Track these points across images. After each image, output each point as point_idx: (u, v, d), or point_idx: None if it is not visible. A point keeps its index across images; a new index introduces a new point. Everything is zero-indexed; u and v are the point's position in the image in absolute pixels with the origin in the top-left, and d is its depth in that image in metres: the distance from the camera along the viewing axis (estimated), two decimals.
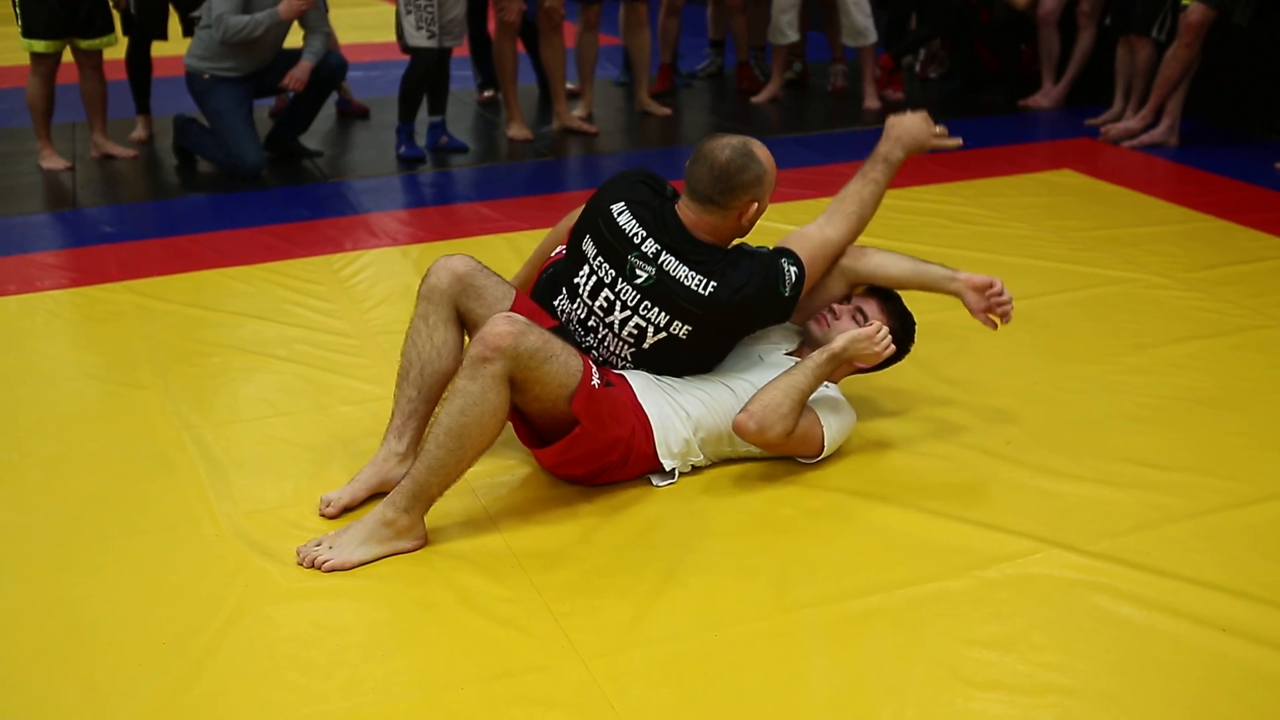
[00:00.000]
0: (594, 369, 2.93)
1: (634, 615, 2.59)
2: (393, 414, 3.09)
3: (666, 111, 7.36)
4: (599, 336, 3.16)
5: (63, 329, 4.24)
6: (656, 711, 2.31)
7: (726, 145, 3.08)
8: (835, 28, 7.63)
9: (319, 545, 2.78)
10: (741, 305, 3.09)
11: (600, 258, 3.14)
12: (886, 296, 3.35)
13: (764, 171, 3.09)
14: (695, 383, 3.15)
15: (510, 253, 4.82)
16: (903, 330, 3.32)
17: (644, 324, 3.10)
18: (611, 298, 3.12)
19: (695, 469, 3.15)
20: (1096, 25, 7.07)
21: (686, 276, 3.07)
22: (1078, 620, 2.56)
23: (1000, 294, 3.25)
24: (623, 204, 3.16)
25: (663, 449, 3.06)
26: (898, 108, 7.43)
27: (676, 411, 3.08)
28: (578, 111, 7.10)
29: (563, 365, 2.83)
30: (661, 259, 3.08)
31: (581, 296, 3.16)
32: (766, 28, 7.80)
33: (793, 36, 7.54)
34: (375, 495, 3.00)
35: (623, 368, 3.18)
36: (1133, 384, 3.63)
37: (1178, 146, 6.35)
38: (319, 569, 2.74)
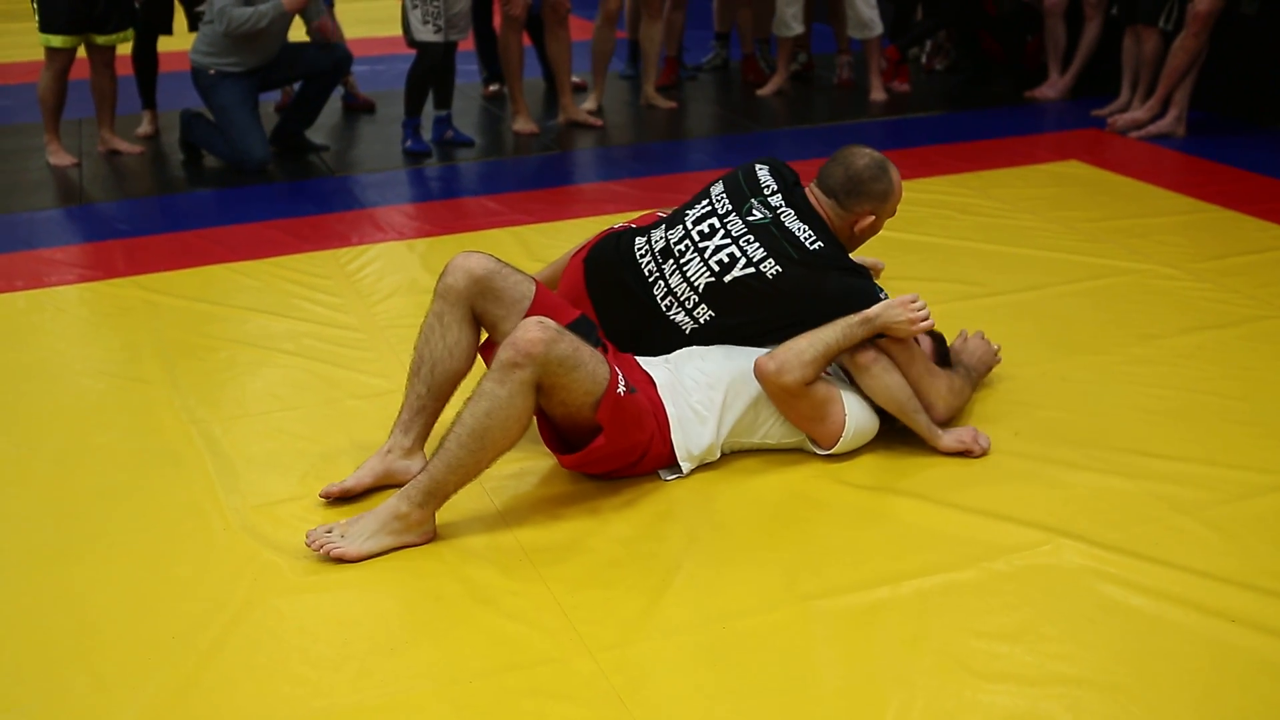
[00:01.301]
0: (620, 376, 2.93)
1: (643, 607, 2.59)
2: (401, 408, 3.10)
3: (672, 105, 7.35)
4: (681, 262, 3.24)
5: (70, 324, 4.25)
6: (665, 703, 2.31)
7: (866, 154, 3.30)
8: (841, 19, 7.62)
9: (329, 532, 2.79)
10: (835, 274, 3.17)
11: (724, 194, 3.32)
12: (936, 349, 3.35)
13: (891, 189, 3.30)
14: (727, 367, 3.14)
15: (516, 246, 4.82)
16: (932, 347, 3.32)
17: (738, 255, 3.19)
18: (717, 224, 3.25)
19: (704, 464, 3.15)
20: (1103, 15, 7.05)
21: (799, 230, 3.20)
22: (1086, 611, 2.56)
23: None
24: (768, 166, 3.36)
25: (681, 451, 3.06)
26: (904, 99, 7.46)
27: (699, 414, 3.08)
28: (587, 105, 7.09)
29: (590, 374, 2.83)
30: (781, 211, 3.23)
31: (684, 222, 3.30)
32: (771, 20, 7.79)
33: (798, 29, 7.53)
34: (380, 487, 3.02)
35: (686, 300, 3.22)
36: (1140, 375, 3.62)
37: (1185, 137, 6.33)
38: (328, 555, 2.74)
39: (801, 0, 7.44)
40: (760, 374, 3.05)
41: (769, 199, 3.26)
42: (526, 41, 6.88)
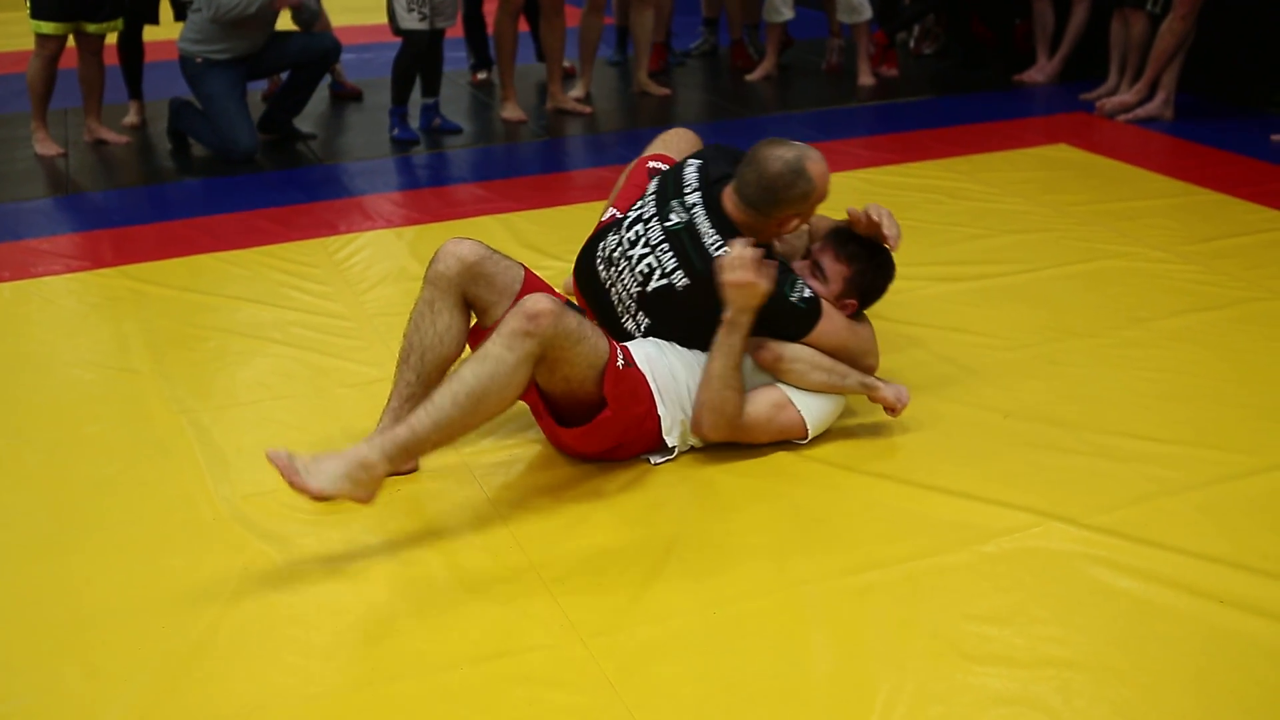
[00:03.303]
0: (618, 350, 2.94)
1: (633, 594, 2.59)
2: (390, 396, 3.08)
3: (666, 91, 7.32)
4: (619, 271, 3.20)
5: (58, 315, 4.23)
6: (656, 689, 2.31)
7: (780, 158, 3.04)
8: (832, 4, 7.61)
9: (293, 459, 2.65)
10: None
11: (653, 195, 3.23)
12: (843, 241, 3.22)
13: (812, 189, 3.06)
14: (697, 364, 3.13)
15: (505, 233, 4.81)
16: (874, 268, 3.22)
17: (655, 265, 3.13)
18: (642, 231, 3.17)
19: (692, 447, 3.15)
20: None
21: (707, 233, 3.09)
22: (1077, 594, 2.56)
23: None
24: (698, 162, 3.24)
25: (666, 421, 3.06)
26: (893, 84, 7.46)
27: (679, 391, 3.08)
28: (575, 92, 7.07)
29: (592, 347, 2.85)
30: (695, 212, 3.12)
31: (622, 228, 3.24)
32: (760, 6, 7.78)
33: (788, 14, 7.51)
34: None
35: (630, 307, 3.19)
36: (1131, 357, 3.63)
37: (1173, 120, 6.34)
38: (285, 479, 2.63)
39: None
40: (697, 435, 3.08)
41: (686, 199, 3.15)
42: (523, 27, 6.85)
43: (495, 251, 3.11)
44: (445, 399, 2.73)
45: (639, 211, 3.24)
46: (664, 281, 3.11)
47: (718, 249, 3.06)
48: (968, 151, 5.85)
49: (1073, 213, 4.91)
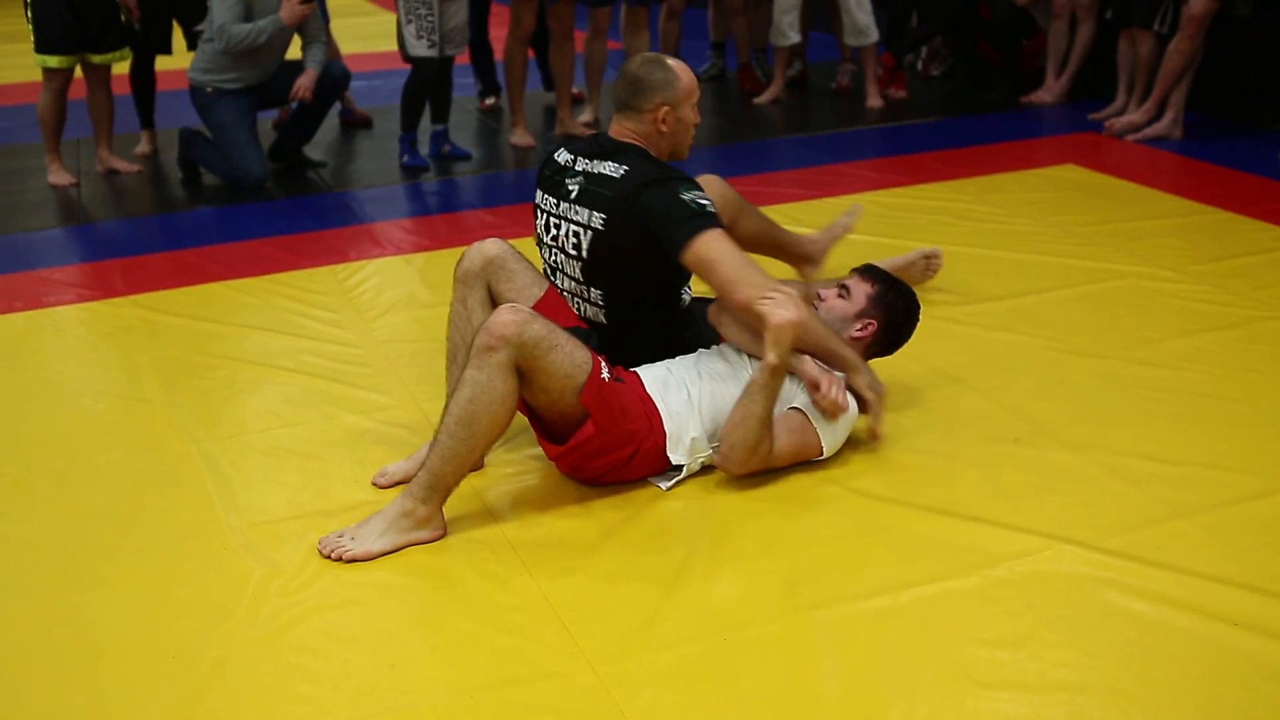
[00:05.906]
0: (604, 364, 2.96)
1: (643, 620, 2.58)
2: (447, 398, 3.14)
3: None
4: (558, 268, 3.29)
5: (69, 344, 4.25)
6: (666, 716, 2.30)
7: (640, 56, 3.28)
8: (840, 27, 7.63)
9: (340, 537, 2.84)
10: (644, 193, 3.09)
11: (545, 195, 3.31)
12: (872, 269, 3.33)
13: (673, 76, 3.21)
14: (710, 376, 3.12)
15: None
16: (897, 293, 3.30)
17: (576, 228, 3.20)
18: (556, 219, 3.26)
19: (705, 467, 3.14)
20: (1097, 19, 7.06)
21: (605, 167, 3.18)
22: (1088, 617, 2.55)
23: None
24: (562, 146, 3.36)
25: (673, 442, 3.06)
26: (901, 106, 7.47)
27: (689, 406, 3.07)
28: (584, 117, 7.09)
29: (568, 355, 2.87)
30: (587, 165, 3.22)
31: (543, 239, 3.32)
32: (767, 29, 7.80)
33: (794, 38, 7.54)
34: None
35: (581, 293, 3.25)
36: (1140, 378, 3.62)
37: (1182, 139, 6.33)
38: (341, 560, 2.80)
39: (798, 9, 7.45)
40: (725, 471, 3.08)
41: (575, 167, 3.24)
42: (530, 54, 6.87)
43: (520, 255, 3.28)
44: (443, 433, 2.84)
45: (544, 215, 3.31)
46: (590, 235, 3.17)
47: (617, 172, 3.15)
48: (976, 173, 5.85)
49: (1081, 233, 4.91)
